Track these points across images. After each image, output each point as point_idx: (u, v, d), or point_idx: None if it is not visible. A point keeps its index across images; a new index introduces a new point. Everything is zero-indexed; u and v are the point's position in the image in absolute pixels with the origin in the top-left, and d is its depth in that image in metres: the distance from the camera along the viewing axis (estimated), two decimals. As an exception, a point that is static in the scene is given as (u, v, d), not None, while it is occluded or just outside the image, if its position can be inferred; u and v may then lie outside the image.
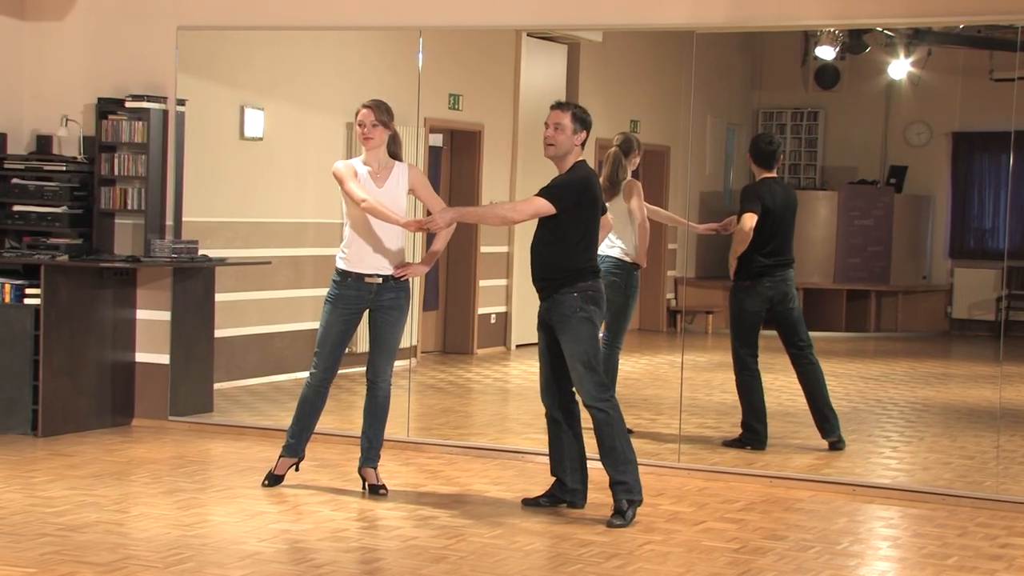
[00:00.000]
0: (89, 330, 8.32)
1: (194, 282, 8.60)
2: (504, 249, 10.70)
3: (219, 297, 8.78)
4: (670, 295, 11.01)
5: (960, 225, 11.68)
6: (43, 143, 8.77)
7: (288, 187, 9.69)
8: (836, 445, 7.94)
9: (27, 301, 8.10)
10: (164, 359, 8.54)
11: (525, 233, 10.65)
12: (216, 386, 8.79)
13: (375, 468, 6.74)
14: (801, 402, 8.12)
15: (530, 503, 6.56)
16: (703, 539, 6.03)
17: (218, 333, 8.78)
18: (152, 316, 8.59)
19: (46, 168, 8.58)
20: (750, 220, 7.74)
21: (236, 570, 5.36)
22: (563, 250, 6.33)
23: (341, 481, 7.01)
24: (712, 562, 5.65)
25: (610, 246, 7.91)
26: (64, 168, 8.55)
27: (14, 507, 6.27)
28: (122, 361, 8.55)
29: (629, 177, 8.04)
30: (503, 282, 10.73)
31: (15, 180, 8.59)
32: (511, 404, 9.70)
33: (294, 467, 6.86)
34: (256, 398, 9.25)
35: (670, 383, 8.73)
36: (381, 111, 6.58)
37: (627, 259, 7.96)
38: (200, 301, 8.66)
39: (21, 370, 8.12)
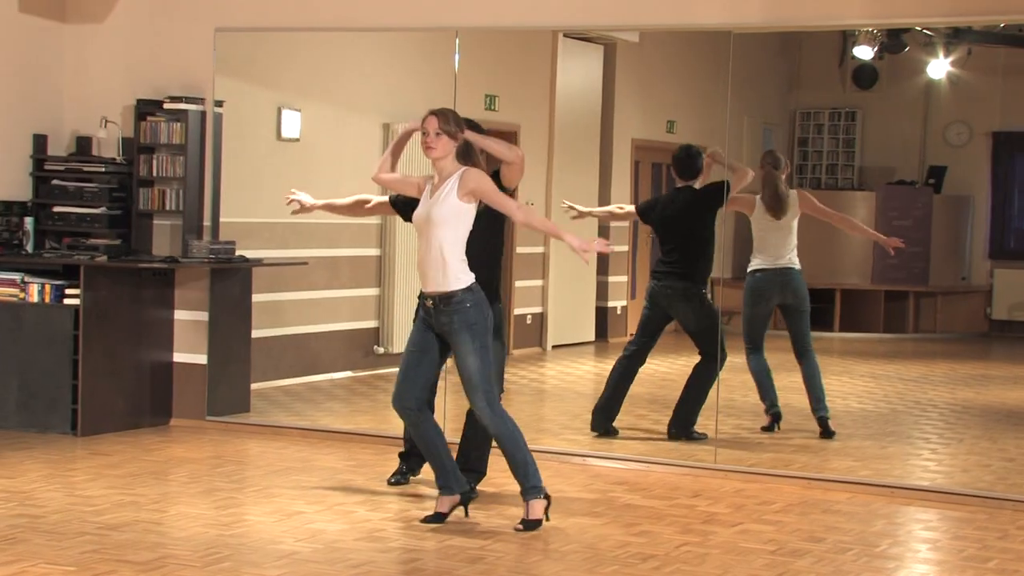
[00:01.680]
0: (128, 330, 8.37)
1: (231, 283, 8.64)
2: (540, 250, 10.69)
3: (256, 297, 8.82)
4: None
5: (1000, 225, 11.58)
6: (83, 145, 8.84)
7: (325, 188, 9.68)
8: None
9: (67, 301, 8.16)
10: (202, 359, 8.58)
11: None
12: (253, 386, 8.83)
13: (528, 502, 6.15)
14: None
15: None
16: (740, 541, 6.01)
17: (255, 333, 8.82)
18: (190, 316, 8.63)
19: (86, 169, 8.65)
20: None
21: (273, 570, 5.38)
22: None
23: (377, 482, 7.02)
24: (749, 564, 5.63)
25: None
26: (103, 169, 8.61)
27: (54, 506, 6.32)
28: (160, 361, 8.60)
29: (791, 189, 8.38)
30: (539, 283, 10.73)
31: (55, 181, 8.65)
32: (547, 405, 9.69)
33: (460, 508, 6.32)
34: (293, 398, 9.29)
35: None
36: (447, 119, 6.10)
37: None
38: (237, 301, 8.70)
39: (61, 370, 8.18)
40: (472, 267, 6.13)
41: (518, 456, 6.11)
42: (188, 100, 8.50)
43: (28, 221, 8.60)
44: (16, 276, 8.27)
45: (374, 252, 10.07)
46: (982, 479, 7.45)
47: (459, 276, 6.04)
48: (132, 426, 8.41)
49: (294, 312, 9.53)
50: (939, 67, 10.95)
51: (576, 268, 10.79)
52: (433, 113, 6.12)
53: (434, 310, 6.07)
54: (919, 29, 9.87)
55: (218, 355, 8.60)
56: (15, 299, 8.25)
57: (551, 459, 7.72)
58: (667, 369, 10.36)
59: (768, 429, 8.32)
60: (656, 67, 11.01)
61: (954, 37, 10.50)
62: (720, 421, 8.02)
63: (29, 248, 8.55)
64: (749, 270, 8.45)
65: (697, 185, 8.17)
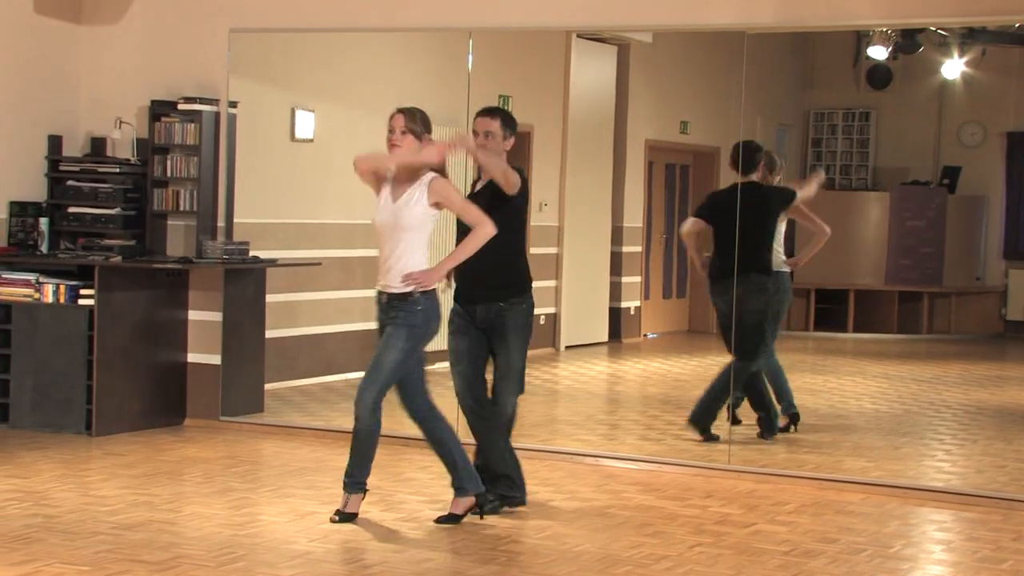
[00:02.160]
0: (142, 331, 8.39)
1: (245, 283, 8.65)
2: (554, 251, 10.69)
3: (270, 298, 8.83)
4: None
5: (1015, 226, 11.56)
6: (97, 145, 8.86)
7: (338, 188, 9.73)
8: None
9: (81, 302, 8.18)
10: (216, 359, 8.60)
11: (575, 234, 10.66)
12: (267, 386, 8.84)
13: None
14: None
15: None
16: (753, 541, 6.00)
17: (269, 334, 8.83)
18: (204, 317, 8.65)
19: (100, 170, 8.67)
20: None
21: (287, 569, 5.39)
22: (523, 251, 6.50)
23: (391, 482, 7.03)
24: (762, 565, 5.62)
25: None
26: (118, 170, 8.63)
27: (69, 505, 6.34)
28: (174, 361, 8.62)
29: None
30: (553, 283, 10.72)
31: (70, 182, 8.68)
32: (560, 406, 9.69)
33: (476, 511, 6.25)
34: (307, 398, 9.30)
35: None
36: (413, 118, 6.02)
37: None
38: (251, 302, 8.72)
39: (75, 370, 8.20)
40: (493, 268, 6.17)
41: (366, 453, 6.13)
42: (202, 101, 8.52)
43: (43, 222, 8.62)
44: (31, 276, 8.29)
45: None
46: (996, 480, 7.43)
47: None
48: (146, 426, 8.42)
49: (308, 312, 9.54)
50: (953, 67, 10.92)
51: (590, 269, 10.79)
52: (400, 111, 6.03)
53: (386, 305, 6.03)
54: (933, 29, 9.85)
55: (232, 355, 8.61)
56: (30, 299, 8.28)
57: (564, 459, 7.72)
58: (680, 370, 10.36)
59: (784, 430, 8.31)
60: (669, 68, 11.01)
61: (969, 37, 10.48)
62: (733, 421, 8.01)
63: (44, 249, 8.58)
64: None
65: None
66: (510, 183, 6.17)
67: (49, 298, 8.24)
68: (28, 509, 6.25)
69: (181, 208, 8.60)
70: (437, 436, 6.17)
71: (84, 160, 8.76)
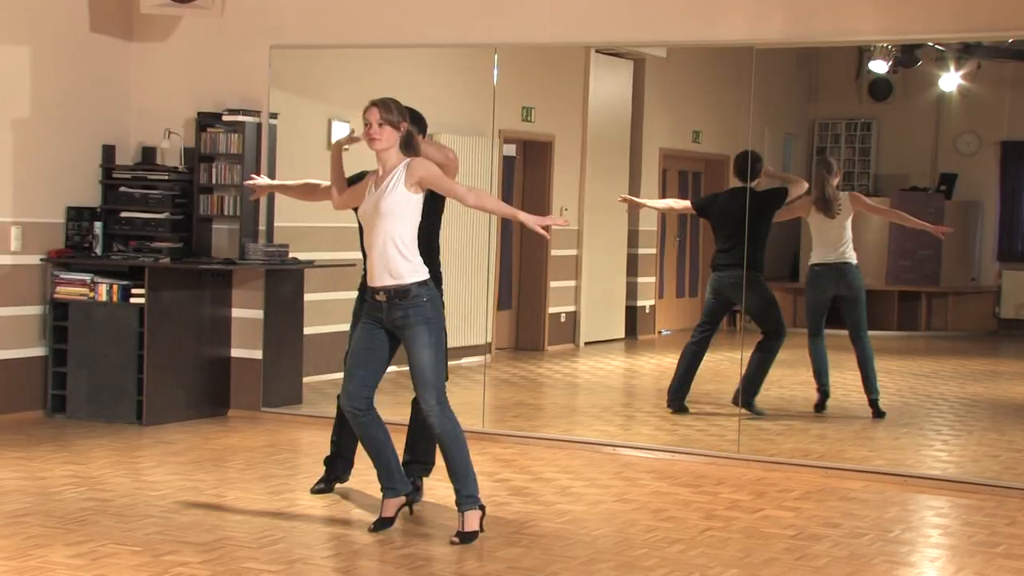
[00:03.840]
0: (189, 327, 8.43)
1: (285, 283, 8.68)
2: (573, 252, 10.68)
3: (308, 296, 8.85)
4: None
5: (1008, 229, 11.48)
6: (148, 154, 8.90)
7: (372, 194, 9.75)
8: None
9: (132, 300, 8.22)
10: (257, 354, 8.63)
11: (593, 237, 10.65)
12: (305, 380, 8.86)
13: (464, 512, 5.60)
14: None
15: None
16: (761, 526, 5.99)
17: (307, 330, 8.85)
18: (246, 314, 8.68)
19: (150, 177, 8.71)
20: None
21: (324, 551, 5.41)
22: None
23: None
24: (770, 548, 5.61)
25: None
26: (167, 177, 8.67)
27: (122, 490, 6.37)
28: (219, 356, 8.65)
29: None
30: (572, 283, 10.72)
31: (122, 188, 8.72)
32: (580, 398, 9.69)
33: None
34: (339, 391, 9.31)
35: (731, 379, 8.67)
36: (388, 109, 5.56)
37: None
38: (290, 300, 8.74)
39: (127, 364, 8.24)
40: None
41: (459, 460, 5.55)
42: (245, 113, 8.55)
43: (97, 226, 8.67)
44: (86, 277, 8.34)
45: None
46: (991, 468, 7.39)
47: (415, 269, 5.51)
48: (192, 416, 8.46)
49: (343, 310, 9.52)
50: (950, 80, 10.87)
51: (608, 269, 10.77)
52: (374, 104, 5.58)
53: (387, 305, 5.50)
54: (931, 45, 9.80)
55: (272, 350, 8.64)
56: (85, 298, 8.33)
57: (584, 448, 7.72)
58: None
59: (820, 407, 8.50)
60: (682, 81, 10.98)
61: (964, 52, 10.43)
62: (743, 414, 7.99)
63: (98, 251, 8.62)
64: (809, 264, 8.71)
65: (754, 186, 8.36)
66: (449, 158, 5.87)
67: (103, 297, 8.28)
68: (84, 493, 6.29)
69: (225, 213, 8.63)
70: (373, 434, 5.70)
71: (135, 168, 8.80)
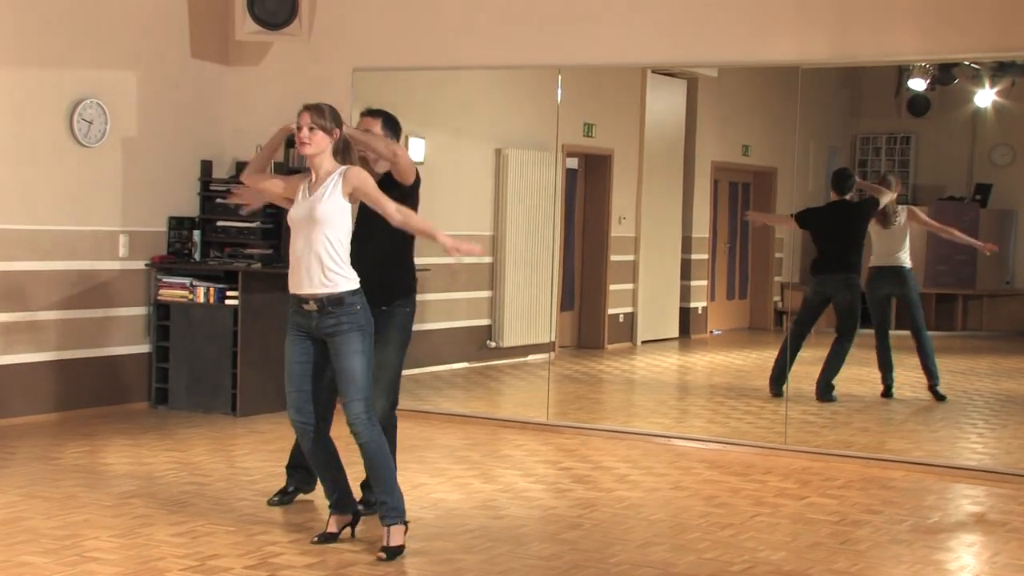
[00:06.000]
0: (278, 327, 8.40)
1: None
2: (631, 258, 10.65)
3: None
4: (777, 297, 10.85)
5: (1040, 236, 11.28)
6: (241, 168, 8.97)
7: (445, 205, 9.78)
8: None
9: (227, 302, 8.31)
10: (341, 351, 8.66)
11: (649, 243, 10.61)
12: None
13: (388, 527, 5.07)
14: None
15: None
16: (807, 512, 5.94)
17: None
18: (331, 315, 8.72)
19: (243, 190, 8.78)
20: None
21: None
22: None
23: (492, 458, 7.06)
24: (815, 532, 5.56)
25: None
26: (258, 189, 8.74)
27: (218, 475, 6.45)
28: (306, 353, 8.70)
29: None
30: (630, 286, 10.69)
31: (218, 200, 8.82)
32: (636, 392, 9.66)
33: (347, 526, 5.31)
34: (416, 385, 9.34)
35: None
36: (321, 114, 5.04)
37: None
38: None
39: (223, 360, 8.33)
40: (372, 268, 5.25)
41: (383, 471, 5.07)
42: (330, 130, 8.60)
43: (196, 234, 8.77)
44: (186, 280, 8.45)
45: (486, 259, 10.10)
46: (1024, 461, 7.28)
47: (348, 276, 5.00)
48: (281, 408, 8.48)
49: (418, 311, 9.58)
50: (985, 96, 10.70)
51: (663, 273, 10.73)
52: (307, 108, 5.07)
53: (318, 313, 4.99)
54: (967, 63, 9.67)
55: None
56: (185, 300, 8.43)
57: (640, 439, 7.70)
58: (741, 362, 10.27)
59: (886, 395, 8.57)
60: (732, 98, 10.91)
61: (999, 70, 10.26)
62: (789, 407, 7.92)
63: (197, 257, 8.73)
64: (868, 267, 8.81)
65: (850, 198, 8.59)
66: (400, 164, 5.38)
67: (201, 299, 8.38)
68: (184, 478, 6.37)
69: (312, 222, 8.68)
70: (321, 449, 5.24)
71: (230, 181, 8.88)
